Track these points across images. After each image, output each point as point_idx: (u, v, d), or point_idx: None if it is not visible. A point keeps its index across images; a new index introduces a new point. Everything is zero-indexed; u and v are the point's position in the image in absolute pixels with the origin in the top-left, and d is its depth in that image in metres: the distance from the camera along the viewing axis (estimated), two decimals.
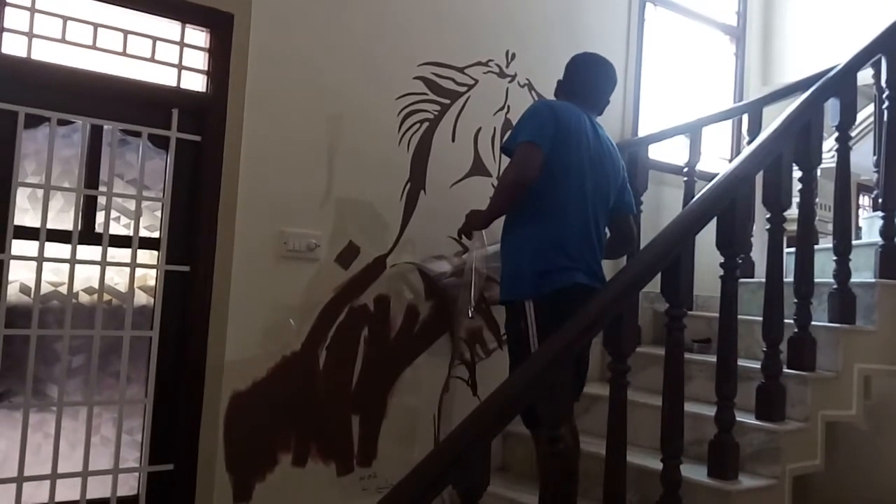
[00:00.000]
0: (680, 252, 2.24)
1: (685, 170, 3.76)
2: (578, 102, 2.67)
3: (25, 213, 2.54)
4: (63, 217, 2.61)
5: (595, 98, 2.75)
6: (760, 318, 2.61)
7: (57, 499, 2.52)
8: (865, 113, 4.53)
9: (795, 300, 2.67)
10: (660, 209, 3.96)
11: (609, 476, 2.14)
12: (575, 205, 2.53)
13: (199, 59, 2.83)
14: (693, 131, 3.80)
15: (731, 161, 4.59)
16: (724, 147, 4.64)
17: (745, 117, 3.75)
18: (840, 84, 2.81)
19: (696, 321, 3.27)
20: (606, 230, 2.73)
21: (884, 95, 2.94)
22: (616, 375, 2.14)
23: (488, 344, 3.42)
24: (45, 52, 2.53)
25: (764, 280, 2.60)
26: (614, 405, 2.14)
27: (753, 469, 2.51)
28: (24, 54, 2.49)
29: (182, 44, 2.77)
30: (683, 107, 4.43)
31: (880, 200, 2.95)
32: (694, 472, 2.38)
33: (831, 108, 2.84)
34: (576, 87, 2.73)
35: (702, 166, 3.79)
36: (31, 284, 2.53)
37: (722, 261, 2.41)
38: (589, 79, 2.75)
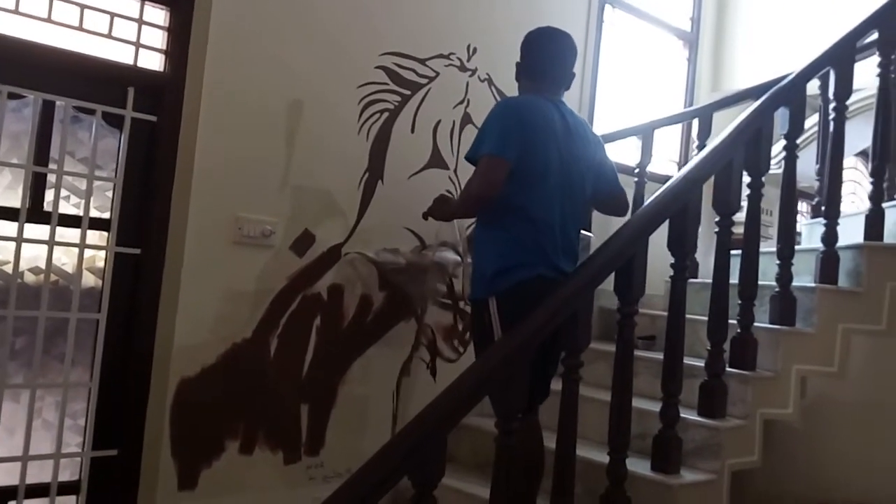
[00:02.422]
0: (634, 252, 2.30)
1: (636, 170, 3.85)
2: (543, 85, 2.58)
3: None
4: (9, 194, 2.53)
5: (559, 74, 2.61)
6: (704, 318, 2.67)
7: None
8: (809, 122, 4.69)
9: (739, 301, 2.73)
10: None
11: (559, 469, 2.19)
12: (540, 205, 2.45)
13: (158, 38, 2.76)
14: (645, 133, 3.89)
15: (680, 164, 4.77)
16: (672, 150, 4.75)
17: (696, 122, 3.87)
18: (790, 94, 2.89)
19: (641, 318, 3.32)
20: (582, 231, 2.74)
21: (831, 107, 3.05)
22: (569, 370, 2.19)
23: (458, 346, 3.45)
24: None
25: (707, 280, 2.67)
26: (566, 399, 2.19)
27: (694, 464, 2.58)
28: None
29: (140, 21, 2.70)
30: (636, 108, 4.51)
31: (822, 208, 3.07)
32: (637, 466, 2.44)
33: (780, 117, 2.91)
34: (537, 67, 2.61)
35: (651, 168, 3.88)
36: None
37: (670, 261, 2.48)
38: (549, 55, 2.62)
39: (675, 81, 4.87)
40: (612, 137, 3.91)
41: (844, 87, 3.00)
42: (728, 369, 2.68)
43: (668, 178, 4.56)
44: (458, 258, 3.27)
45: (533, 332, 2.09)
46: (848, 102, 3.02)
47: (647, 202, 2.47)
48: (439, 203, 2.79)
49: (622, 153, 4.22)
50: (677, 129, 4.65)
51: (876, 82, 3.05)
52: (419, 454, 1.90)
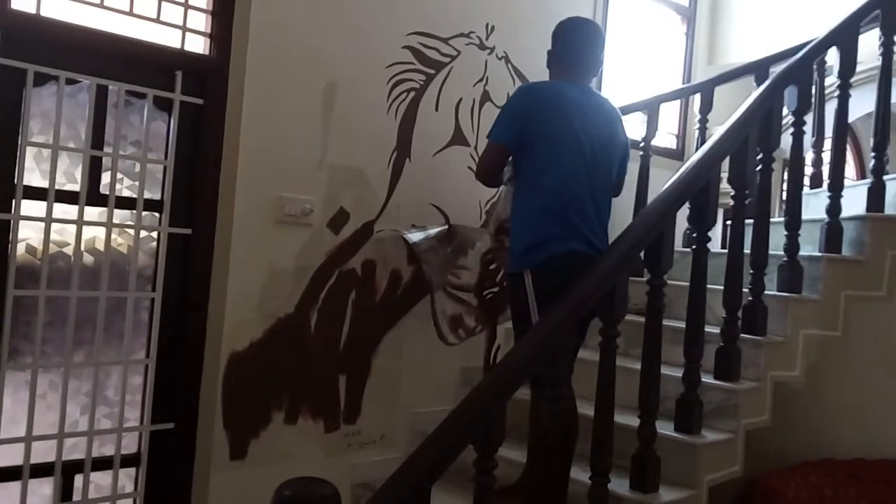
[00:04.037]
0: (664, 228, 2.44)
1: (641, 144, 3.98)
2: (571, 72, 2.70)
3: (31, 172, 2.50)
4: (65, 178, 2.59)
5: (587, 62, 2.73)
6: (713, 287, 2.74)
7: (62, 458, 2.55)
8: None
9: (751, 271, 2.88)
10: None
11: (598, 431, 2.34)
12: (566, 180, 2.56)
13: (202, 22, 2.81)
14: (651, 108, 4.01)
15: (679, 138, 4.93)
16: (671, 124, 4.89)
17: (698, 96, 4.01)
18: (799, 72, 3.02)
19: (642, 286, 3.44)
20: None
21: (835, 84, 3.19)
22: (607, 340, 2.33)
23: (470, 328, 3.51)
24: (54, 9, 2.47)
25: (715, 251, 2.75)
26: (604, 367, 2.33)
27: (713, 424, 2.72)
28: (33, 11, 2.43)
29: (186, 5, 2.75)
30: (639, 83, 4.64)
31: (826, 180, 3.22)
32: (661, 427, 2.54)
33: (788, 94, 3.04)
34: (566, 54, 2.73)
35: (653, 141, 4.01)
36: (36, 245, 2.51)
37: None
38: (578, 44, 2.74)
39: (673, 56, 5.00)
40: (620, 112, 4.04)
41: (848, 66, 3.14)
42: (741, 335, 2.82)
43: (668, 150, 4.78)
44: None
45: (576, 305, 2.22)
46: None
47: (672, 180, 2.55)
48: None
49: (626, 127, 4.35)
50: (675, 103, 4.78)
51: (873, 58, 3.22)
52: (482, 421, 2.01)
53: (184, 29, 2.76)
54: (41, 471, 2.53)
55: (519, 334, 2.68)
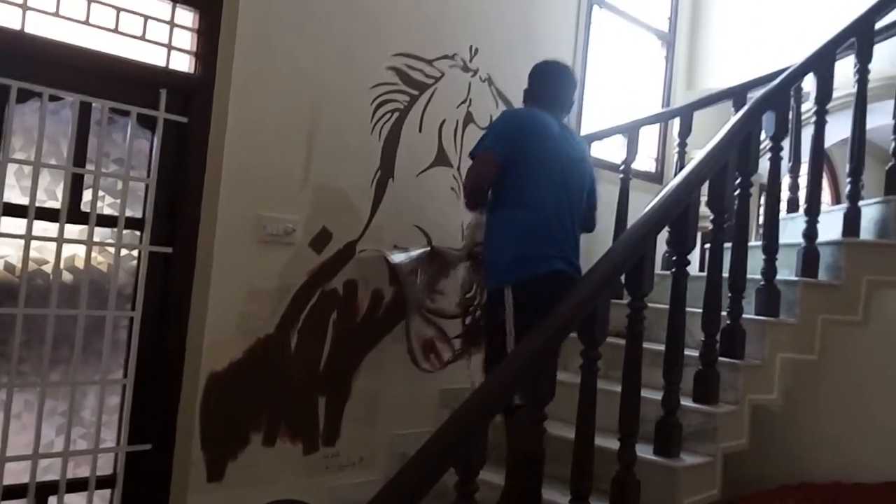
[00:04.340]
0: (644, 251, 2.46)
1: (622, 167, 4.02)
2: (545, 107, 2.87)
3: (11, 189, 2.48)
4: (46, 195, 2.57)
5: (560, 101, 2.94)
6: (691, 310, 2.76)
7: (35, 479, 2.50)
8: None
9: (730, 294, 2.90)
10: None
11: (578, 454, 2.34)
12: (549, 196, 2.73)
13: (187, 40, 2.81)
14: (631, 131, 4.05)
15: (658, 161, 4.98)
16: (651, 146, 4.95)
17: (677, 120, 4.06)
18: (776, 98, 3.07)
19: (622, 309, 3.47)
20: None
21: (812, 110, 3.24)
22: (588, 362, 2.33)
23: (443, 355, 3.54)
24: (39, 26, 2.47)
25: (693, 275, 2.77)
26: (585, 389, 2.33)
27: (692, 447, 2.73)
28: (17, 27, 2.42)
29: (172, 23, 2.75)
30: (620, 106, 4.69)
31: (803, 205, 3.27)
32: (640, 450, 2.51)
33: (766, 120, 3.08)
34: (541, 93, 2.93)
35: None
36: (14, 262, 2.48)
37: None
38: (551, 84, 2.95)
39: (654, 79, 5.07)
40: (600, 136, 4.08)
41: (825, 92, 3.19)
42: (720, 358, 2.83)
43: (647, 173, 4.83)
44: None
45: (559, 328, 2.23)
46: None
47: (652, 203, 2.59)
48: None
49: (606, 150, 4.41)
50: (654, 127, 4.84)
51: (848, 85, 3.28)
52: (464, 444, 2.01)
53: (169, 47, 2.75)
54: (14, 492, 2.48)
55: (494, 351, 2.71)
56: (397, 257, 3.26)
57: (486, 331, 2.84)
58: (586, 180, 2.93)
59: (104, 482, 2.67)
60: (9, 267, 2.50)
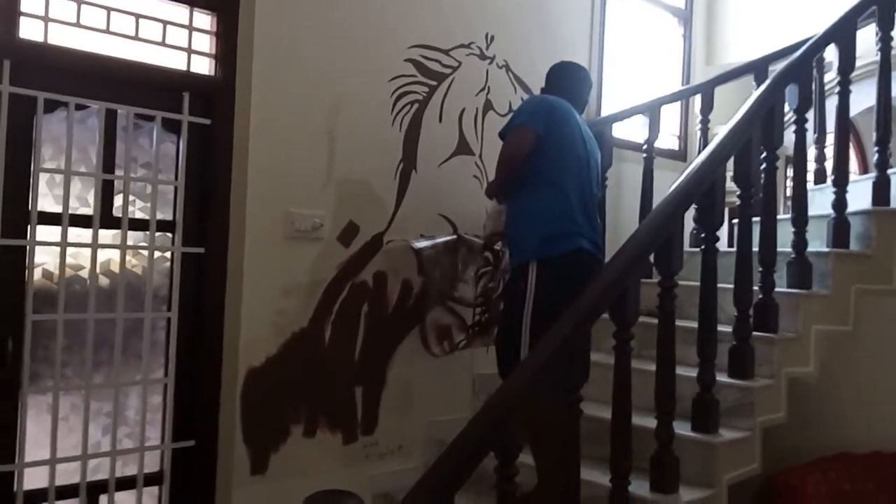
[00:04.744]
0: (673, 229, 2.46)
1: (644, 147, 4.00)
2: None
3: (44, 198, 2.53)
4: (78, 202, 2.62)
5: (575, 98, 3.03)
6: (722, 286, 2.74)
7: (86, 479, 2.56)
8: None
9: (760, 268, 2.89)
10: (620, 184, 4.21)
11: (616, 433, 2.35)
12: (574, 179, 2.81)
13: (206, 43, 2.85)
14: (652, 110, 4.03)
15: (681, 138, 4.95)
16: (672, 125, 4.92)
17: (698, 97, 4.04)
18: (799, 71, 3.04)
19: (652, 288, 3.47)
20: None
21: (835, 80, 3.22)
22: (621, 343, 2.34)
23: (456, 342, 3.52)
24: (61, 37, 2.51)
25: (722, 251, 2.75)
26: (619, 370, 2.34)
27: (729, 423, 2.72)
28: (40, 39, 2.47)
29: (190, 27, 2.79)
30: (639, 86, 4.67)
31: (830, 176, 3.24)
32: (678, 428, 2.54)
33: (789, 93, 3.07)
34: (558, 92, 3.00)
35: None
36: (52, 269, 2.54)
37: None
38: (568, 83, 3.06)
39: (672, 57, 5.03)
40: (621, 116, 4.06)
41: (848, 62, 3.16)
42: (753, 333, 2.84)
43: (671, 151, 4.80)
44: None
45: (590, 309, 2.24)
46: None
47: (677, 182, 2.58)
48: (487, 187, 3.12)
49: (627, 130, 4.40)
50: (676, 105, 4.81)
51: (871, 53, 3.24)
52: (501, 430, 2.03)
53: (189, 51, 2.79)
54: (66, 493, 2.55)
55: (507, 326, 2.76)
56: (420, 244, 3.29)
57: (503, 305, 2.89)
58: (598, 170, 3.04)
59: (152, 479, 2.74)
60: (47, 274, 2.55)
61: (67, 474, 2.55)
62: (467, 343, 3.46)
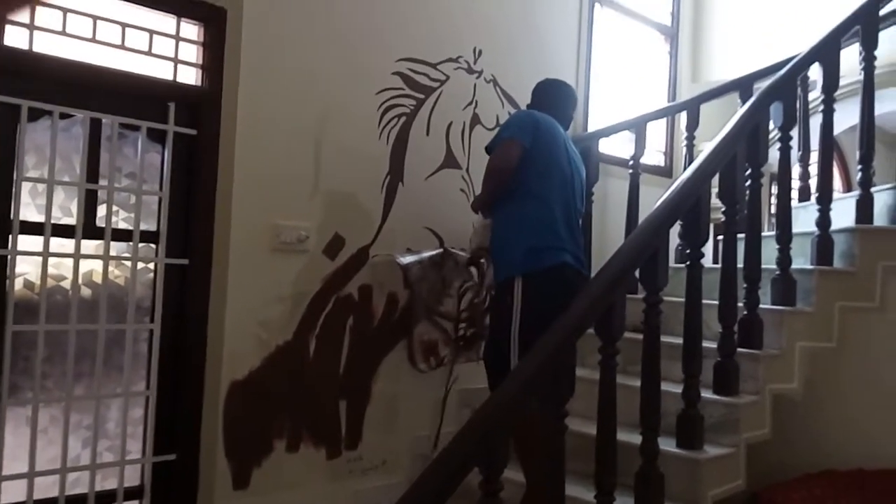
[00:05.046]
0: (658, 244, 2.46)
1: (630, 162, 4.01)
2: None
3: (26, 207, 2.51)
4: (61, 211, 2.60)
5: (560, 115, 3.05)
6: (707, 302, 2.76)
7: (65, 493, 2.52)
8: None
9: (745, 285, 2.90)
10: (606, 199, 4.23)
11: (601, 449, 2.34)
12: (559, 193, 2.82)
13: (193, 53, 2.84)
14: (638, 126, 4.05)
15: (667, 154, 4.98)
16: (658, 141, 4.95)
17: (684, 114, 4.07)
18: (783, 89, 3.07)
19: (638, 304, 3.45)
20: None
21: (819, 99, 3.25)
22: (606, 359, 2.33)
23: (442, 357, 3.51)
24: (46, 45, 2.50)
25: (706, 267, 2.76)
26: (604, 385, 2.33)
27: (714, 439, 2.72)
28: (25, 47, 2.45)
29: (177, 37, 2.78)
30: (625, 102, 4.70)
31: (815, 193, 3.26)
32: (663, 444, 2.51)
33: (774, 111, 3.09)
34: (544, 108, 3.02)
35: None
36: (33, 279, 2.51)
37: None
38: (553, 99, 3.09)
39: (658, 74, 5.07)
40: (607, 132, 4.08)
41: (832, 80, 3.19)
42: (738, 349, 2.83)
43: (657, 167, 4.83)
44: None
45: (576, 323, 2.24)
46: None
47: (663, 197, 2.59)
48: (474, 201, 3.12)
49: (614, 146, 4.42)
50: (662, 121, 4.84)
51: (854, 73, 3.28)
52: (486, 444, 2.01)
53: (175, 61, 2.78)
54: None
55: (496, 342, 2.75)
56: (406, 259, 3.28)
57: (490, 320, 2.89)
58: (582, 189, 3.07)
59: (132, 493, 2.70)
60: (28, 284, 2.52)
61: (46, 488, 2.51)
62: (453, 358, 3.44)
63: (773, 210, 4.99)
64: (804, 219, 3.54)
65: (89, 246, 2.62)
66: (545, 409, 2.60)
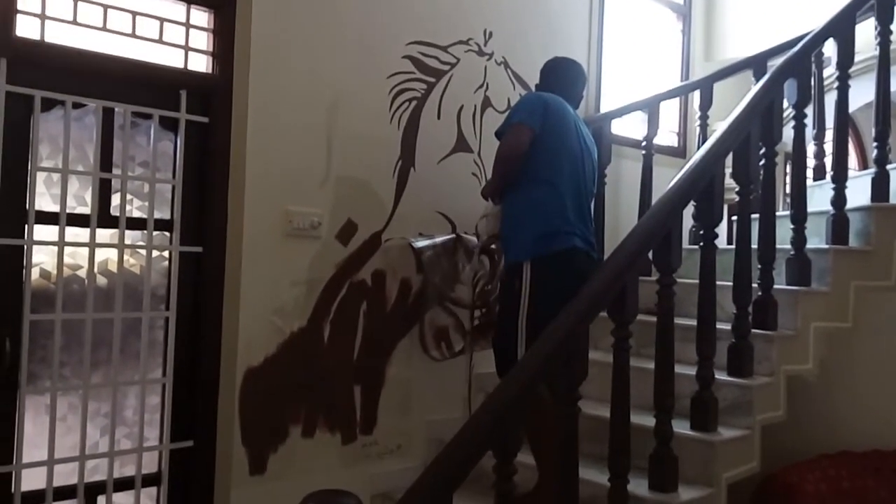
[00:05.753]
0: (672, 225, 2.45)
1: (643, 143, 3.99)
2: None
3: (41, 197, 2.53)
4: (75, 201, 2.61)
5: (570, 94, 3.03)
6: (721, 283, 2.74)
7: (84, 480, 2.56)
8: None
9: (759, 266, 2.88)
10: (619, 180, 4.21)
11: (615, 432, 2.35)
12: (569, 177, 2.81)
13: (204, 41, 2.84)
14: (651, 107, 4.02)
15: (680, 135, 4.94)
16: (671, 121, 4.90)
17: (697, 93, 4.03)
18: (797, 66, 3.03)
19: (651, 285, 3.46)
20: None
21: (834, 76, 3.21)
22: (619, 341, 2.33)
23: (454, 345, 3.51)
24: (58, 35, 2.50)
25: (720, 248, 2.74)
26: (618, 367, 2.33)
27: (728, 421, 2.72)
28: (37, 37, 2.46)
29: (188, 25, 2.78)
30: (638, 82, 4.66)
31: (830, 172, 3.23)
32: (677, 426, 2.52)
33: (788, 88, 3.05)
34: (553, 87, 3.00)
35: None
36: (50, 269, 2.53)
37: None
38: (562, 78, 3.06)
39: (671, 53, 5.02)
40: (620, 112, 4.05)
41: (846, 56, 3.15)
42: (752, 330, 2.82)
43: (670, 148, 4.79)
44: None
45: (589, 307, 2.23)
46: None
47: (676, 178, 2.57)
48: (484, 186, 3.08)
49: (626, 127, 4.39)
50: (675, 101, 4.79)
51: (869, 48, 3.23)
52: (500, 428, 2.02)
53: (186, 48, 2.78)
54: (64, 493, 2.54)
55: (504, 326, 2.76)
56: (420, 243, 3.28)
57: (499, 304, 2.91)
58: (594, 167, 3.04)
59: (150, 480, 2.73)
60: (44, 274, 2.54)
61: (65, 475, 2.55)
62: (466, 347, 3.45)
63: (787, 189, 4.93)
64: (819, 198, 3.50)
65: (104, 235, 2.63)
66: (557, 393, 2.62)
